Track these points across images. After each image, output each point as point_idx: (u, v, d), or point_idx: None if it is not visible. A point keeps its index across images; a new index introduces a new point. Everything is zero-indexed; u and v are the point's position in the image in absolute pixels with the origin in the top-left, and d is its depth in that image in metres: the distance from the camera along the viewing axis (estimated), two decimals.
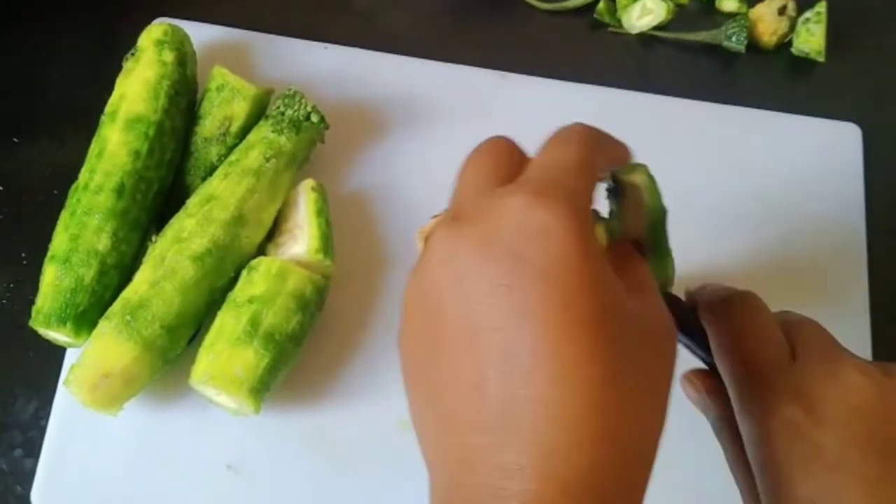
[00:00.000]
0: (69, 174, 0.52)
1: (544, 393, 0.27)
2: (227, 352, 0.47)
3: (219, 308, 0.50)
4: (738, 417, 0.38)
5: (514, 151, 0.35)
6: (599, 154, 0.34)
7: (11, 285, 0.55)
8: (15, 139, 0.59)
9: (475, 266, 0.29)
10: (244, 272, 0.50)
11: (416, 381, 0.33)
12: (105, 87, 0.54)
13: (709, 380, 0.41)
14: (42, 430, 0.50)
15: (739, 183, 0.59)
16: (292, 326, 0.48)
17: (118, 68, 0.54)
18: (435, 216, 0.37)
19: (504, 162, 0.35)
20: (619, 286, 0.31)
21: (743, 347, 0.38)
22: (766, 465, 0.36)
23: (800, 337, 0.39)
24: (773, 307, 0.56)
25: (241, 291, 0.49)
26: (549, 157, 0.34)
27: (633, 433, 0.29)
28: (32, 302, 0.49)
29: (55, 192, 0.55)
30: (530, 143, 0.56)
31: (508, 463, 0.27)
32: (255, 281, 0.49)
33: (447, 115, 0.59)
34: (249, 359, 0.47)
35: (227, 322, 0.48)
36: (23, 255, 0.55)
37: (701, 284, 0.43)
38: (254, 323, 0.47)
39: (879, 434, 0.35)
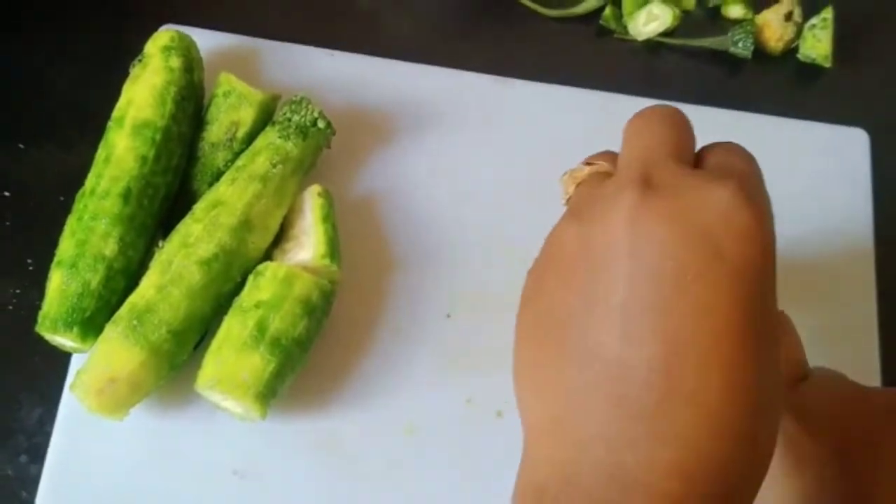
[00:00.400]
0: (75, 179, 0.52)
1: (708, 398, 0.27)
2: (233, 357, 0.47)
3: (225, 313, 0.50)
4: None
5: (692, 133, 0.34)
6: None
7: (17, 291, 0.55)
8: (21, 145, 0.59)
9: (666, 242, 0.28)
10: (250, 277, 0.50)
11: (548, 333, 0.30)
12: (111, 92, 0.54)
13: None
14: (47, 436, 0.50)
15: None
16: (299, 331, 0.48)
17: (124, 74, 0.55)
18: (588, 163, 0.36)
19: (687, 142, 0.34)
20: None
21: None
22: None
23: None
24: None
25: (247, 297, 0.49)
26: (735, 161, 0.33)
27: (770, 445, 0.29)
28: (38, 307, 0.49)
29: (61, 197, 0.55)
30: (536, 150, 0.57)
31: (655, 457, 0.26)
32: (262, 286, 0.49)
33: (453, 121, 0.59)
34: (256, 364, 0.47)
35: (234, 327, 0.48)
36: (29, 260, 0.55)
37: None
38: (260, 328, 0.47)
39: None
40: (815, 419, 0.38)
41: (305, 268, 0.51)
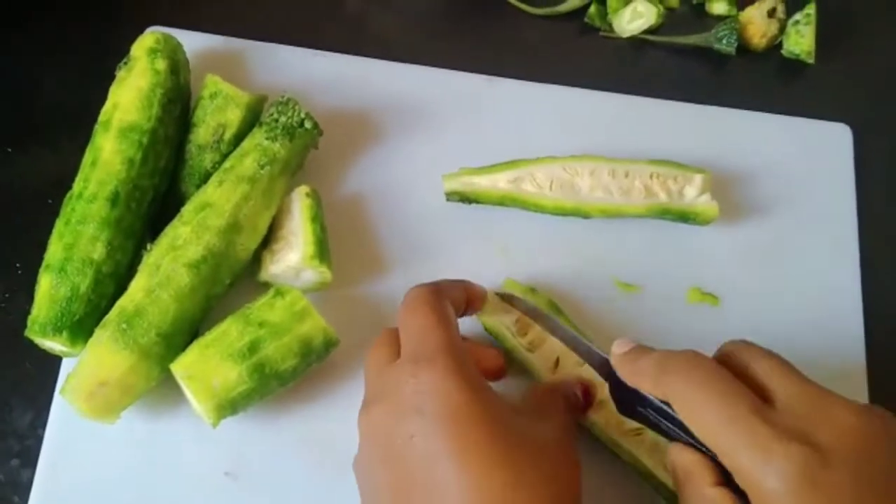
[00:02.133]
0: (63, 183, 0.52)
1: None
2: (215, 360, 0.47)
3: (216, 315, 0.50)
4: (738, 476, 0.37)
5: (396, 335, 0.45)
6: (446, 306, 0.44)
7: (6, 295, 0.55)
8: (8, 149, 0.59)
9: (391, 431, 0.40)
10: (273, 290, 0.50)
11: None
12: (98, 95, 0.54)
13: (689, 453, 0.40)
14: (39, 440, 0.50)
15: (729, 184, 0.59)
16: (285, 367, 0.48)
17: (111, 77, 0.55)
18: None
19: (391, 344, 0.45)
20: (507, 411, 0.40)
21: (712, 408, 0.38)
22: None
23: (767, 378, 0.39)
24: (767, 308, 0.56)
25: (259, 309, 0.49)
26: (409, 328, 0.44)
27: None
28: (27, 311, 0.49)
29: (49, 201, 0.55)
30: (523, 146, 0.57)
31: None
32: (277, 307, 0.49)
33: (440, 120, 0.60)
34: (231, 378, 0.47)
35: (231, 331, 0.48)
36: (17, 264, 0.55)
37: (622, 353, 0.44)
38: (252, 347, 0.47)
39: (884, 476, 0.36)
40: (834, 450, 0.36)
41: (297, 269, 0.51)
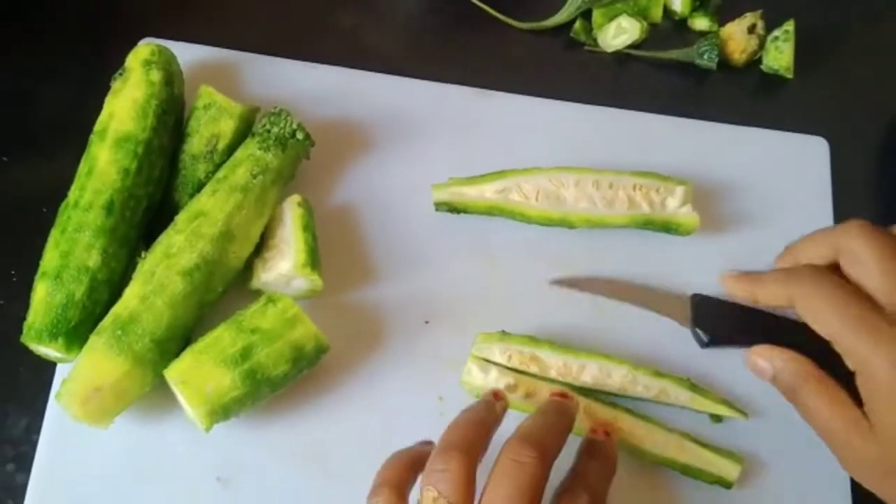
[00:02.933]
0: (58, 192, 0.53)
1: None
2: (208, 366, 0.48)
3: (208, 322, 0.51)
4: (850, 357, 0.46)
5: None
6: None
7: (1, 302, 0.56)
8: (4, 158, 0.60)
9: None
10: (264, 298, 0.51)
11: None
12: (93, 105, 0.55)
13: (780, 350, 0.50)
14: (33, 445, 0.51)
15: (710, 195, 0.61)
16: (277, 373, 0.49)
17: (106, 87, 0.56)
18: None
19: None
20: None
21: (833, 306, 0.47)
22: None
23: (877, 283, 0.47)
24: None
25: (252, 316, 0.50)
26: None
27: None
28: (22, 318, 0.50)
29: (44, 209, 0.56)
30: (511, 159, 0.58)
31: None
32: (268, 314, 0.50)
33: (429, 131, 0.61)
34: (224, 384, 0.48)
35: (224, 338, 0.49)
36: (12, 272, 0.56)
37: (737, 275, 0.54)
38: (245, 354, 0.48)
39: None
40: None
41: (288, 277, 0.52)
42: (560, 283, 0.56)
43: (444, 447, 0.42)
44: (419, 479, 0.43)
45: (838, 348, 0.46)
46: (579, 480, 0.45)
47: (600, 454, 0.47)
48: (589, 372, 0.53)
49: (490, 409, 0.46)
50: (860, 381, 0.46)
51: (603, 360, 0.53)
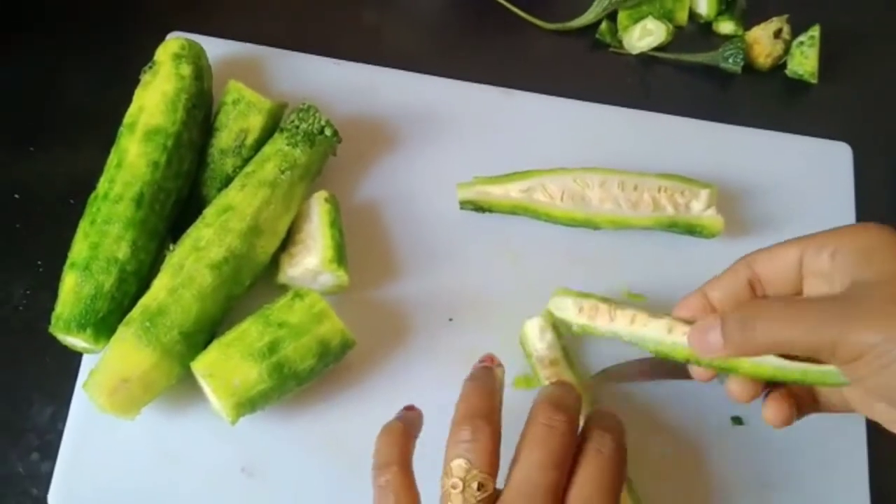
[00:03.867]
0: (84, 183, 0.53)
1: None
2: (236, 359, 0.48)
3: (234, 316, 0.51)
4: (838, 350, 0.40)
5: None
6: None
7: (28, 292, 0.56)
8: (31, 148, 0.60)
9: None
10: (291, 292, 0.51)
11: None
12: (120, 98, 0.55)
13: None
14: (58, 434, 0.51)
15: (734, 199, 0.61)
16: (303, 367, 0.49)
17: (132, 80, 0.56)
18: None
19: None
20: None
21: (796, 326, 0.41)
22: None
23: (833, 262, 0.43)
24: None
25: (279, 310, 0.50)
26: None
27: None
28: (49, 308, 0.50)
29: (71, 200, 0.57)
30: (534, 158, 0.59)
31: None
32: (296, 308, 0.50)
33: (454, 130, 0.61)
34: (251, 377, 0.48)
35: (252, 331, 0.49)
36: (39, 262, 0.56)
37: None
38: (272, 347, 0.49)
39: None
40: None
41: (316, 275, 0.53)
42: (604, 375, 0.54)
43: (465, 417, 0.42)
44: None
45: (822, 355, 0.41)
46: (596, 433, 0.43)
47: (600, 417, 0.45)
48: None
49: (492, 376, 0.46)
50: (851, 365, 0.40)
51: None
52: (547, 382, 0.52)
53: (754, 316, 0.43)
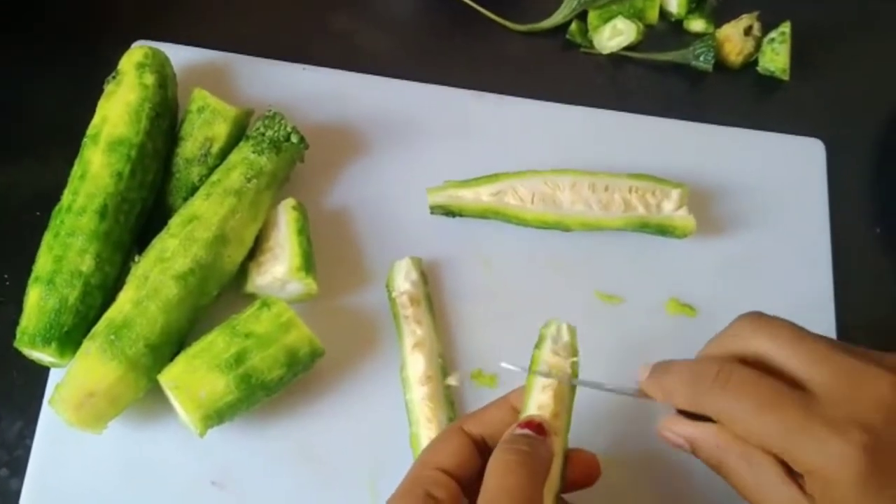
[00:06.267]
0: (51, 196, 0.53)
1: None
2: (202, 371, 0.48)
3: (202, 327, 0.51)
4: (809, 476, 0.37)
5: None
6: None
7: None
8: None
9: None
10: (258, 302, 0.50)
11: None
12: (86, 109, 0.55)
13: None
14: (27, 450, 0.51)
15: (706, 198, 0.61)
16: (271, 377, 0.49)
17: (99, 90, 0.55)
18: None
19: None
20: None
21: (763, 420, 0.38)
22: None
23: (795, 368, 0.39)
24: None
25: (246, 320, 0.50)
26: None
27: None
28: (15, 322, 0.50)
29: (38, 213, 0.56)
30: (506, 160, 0.58)
31: None
32: (263, 318, 0.49)
33: (424, 134, 0.61)
34: (218, 389, 0.48)
35: (218, 343, 0.49)
36: (5, 276, 0.56)
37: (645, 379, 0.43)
38: (239, 358, 0.48)
39: None
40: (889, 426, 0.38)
41: (285, 284, 0.52)
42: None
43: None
44: None
45: (792, 464, 0.38)
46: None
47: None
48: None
49: (542, 448, 0.38)
50: (811, 484, 0.38)
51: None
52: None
53: (724, 459, 0.40)
